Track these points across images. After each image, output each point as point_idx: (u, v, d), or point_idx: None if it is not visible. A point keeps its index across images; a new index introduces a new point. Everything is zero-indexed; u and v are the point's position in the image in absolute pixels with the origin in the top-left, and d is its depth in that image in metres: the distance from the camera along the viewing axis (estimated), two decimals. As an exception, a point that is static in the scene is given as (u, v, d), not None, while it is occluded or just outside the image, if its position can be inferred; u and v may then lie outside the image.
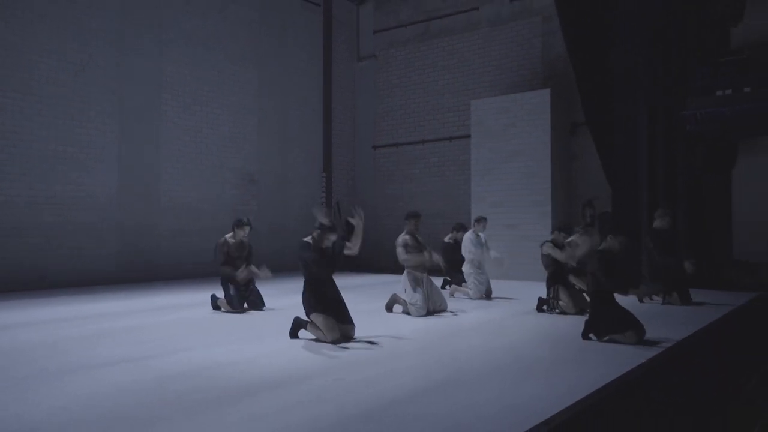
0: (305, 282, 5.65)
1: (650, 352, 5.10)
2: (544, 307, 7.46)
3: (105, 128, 10.86)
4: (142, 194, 11.39)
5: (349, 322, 5.64)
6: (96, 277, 10.57)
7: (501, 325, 6.70)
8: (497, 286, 9.43)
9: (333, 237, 5.58)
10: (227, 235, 7.61)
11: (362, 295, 8.95)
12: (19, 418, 3.43)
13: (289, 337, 5.65)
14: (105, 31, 10.86)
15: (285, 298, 8.31)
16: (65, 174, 10.29)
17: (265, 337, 5.79)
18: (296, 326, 5.70)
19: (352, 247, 5.78)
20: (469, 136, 12.92)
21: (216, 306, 7.62)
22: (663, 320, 6.91)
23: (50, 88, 10.13)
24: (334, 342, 5.36)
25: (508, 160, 11.90)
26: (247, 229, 7.53)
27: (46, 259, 10.01)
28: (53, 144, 10.15)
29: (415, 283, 7.20)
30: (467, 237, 8.95)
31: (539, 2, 12.88)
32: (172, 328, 6.41)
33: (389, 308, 7.48)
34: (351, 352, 5.16)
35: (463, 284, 8.98)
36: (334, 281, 5.77)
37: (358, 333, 5.78)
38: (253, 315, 7.32)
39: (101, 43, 10.81)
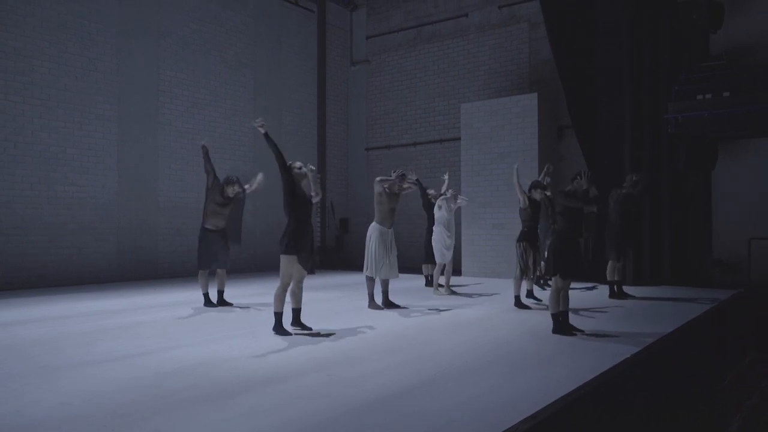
0: (287, 223, 5.94)
1: (636, 347, 5.23)
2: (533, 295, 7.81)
3: (105, 131, 11.13)
4: (141, 195, 11.65)
5: (308, 269, 6.00)
6: (96, 276, 10.83)
7: (490, 321, 6.78)
8: (488, 286, 9.66)
9: (303, 171, 5.94)
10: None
11: (354, 293, 9.19)
12: (18, 414, 3.50)
13: (278, 334, 5.81)
14: (105, 37, 11.14)
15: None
16: (66, 175, 10.55)
17: (259, 334, 5.88)
18: (278, 321, 5.91)
19: (315, 195, 6.16)
20: (459, 139, 13.22)
21: (209, 303, 7.80)
22: (647, 316, 7.14)
23: (51, 91, 10.39)
24: (283, 284, 5.80)
25: (497, 161, 12.21)
26: (236, 186, 7.81)
27: (47, 258, 10.25)
28: (54, 146, 10.41)
29: (381, 240, 7.47)
30: (443, 202, 9.10)
31: (526, 9, 13.24)
32: (170, 325, 6.52)
33: (372, 301, 7.69)
34: (344, 348, 5.28)
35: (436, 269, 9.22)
36: (311, 224, 6.06)
37: (352, 329, 6.01)
38: (248, 312, 7.49)
39: (101, 49, 11.09)
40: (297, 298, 6.02)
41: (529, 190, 7.79)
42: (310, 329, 6.00)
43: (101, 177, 11.05)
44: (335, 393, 3.90)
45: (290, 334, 5.82)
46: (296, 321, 6.05)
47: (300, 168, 5.97)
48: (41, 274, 10.15)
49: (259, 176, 8.06)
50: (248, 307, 7.78)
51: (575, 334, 5.85)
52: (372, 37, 15.83)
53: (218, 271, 7.89)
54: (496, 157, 12.21)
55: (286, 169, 5.89)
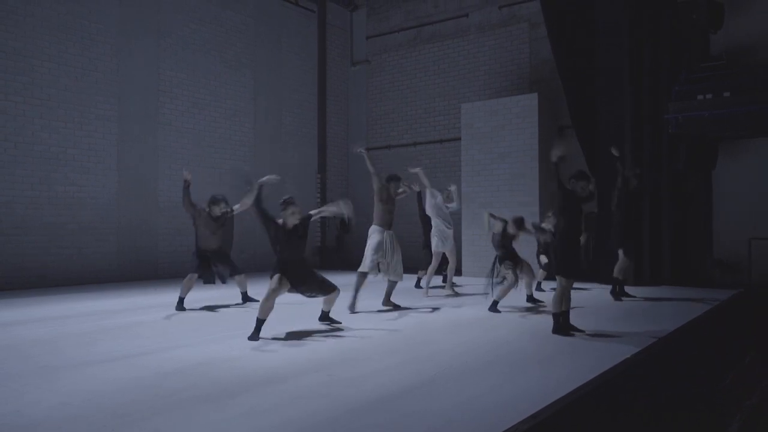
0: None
1: (636, 347, 5.23)
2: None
3: (105, 131, 11.13)
4: (141, 195, 11.66)
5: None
6: (96, 276, 10.84)
7: (490, 321, 6.76)
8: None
9: (295, 210, 5.70)
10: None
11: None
12: (18, 414, 3.50)
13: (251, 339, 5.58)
14: (105, 37, 11.15)
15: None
16: (66, 175, 10.55)
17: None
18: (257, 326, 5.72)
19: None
20: (459, 139, 13.21)
21: (181, 306, 7.62)
22: (647, 316, 7.13)
23: (51, 91, 10.39)
24: (269, 294, 5.55)
25: (497, 161, 12.21)
26: (222, 205, 7.70)
27: (47, 258, 10.26)
28: (55, 146, 10.42)
29: (380, 238, 7.51)
30: (436, 201, 9.06)
31: (526, 9, 13.25)
32: (170, 325, 6.54)
33: (354, 301, 7.62)
34: (344, 348, 5.28)
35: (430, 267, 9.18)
36: (303, 266, 5.87)
37: (352, 329, 6.01)
38: (247, 312, 7.43)
39: (101, 49, 11.09)
40: (330, 303, 6.30)
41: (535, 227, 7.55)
42: (339, 323, 6.35)
43: (101, 177, 11.06)
44: (335, 393, 3.90)
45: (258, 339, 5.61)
46: (324, 317, 6.42)
47: (293, 206, 5.72)
48: (41, 274, 10.15)
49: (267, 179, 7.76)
50: (247, 307, 7.77)
51: (575, 334, 5.85)
52: (372, 37, 15.83)
53: (236, 276, 7.97)
54: (497, 157, 12.21)
55: (267, 221, 5.73)
